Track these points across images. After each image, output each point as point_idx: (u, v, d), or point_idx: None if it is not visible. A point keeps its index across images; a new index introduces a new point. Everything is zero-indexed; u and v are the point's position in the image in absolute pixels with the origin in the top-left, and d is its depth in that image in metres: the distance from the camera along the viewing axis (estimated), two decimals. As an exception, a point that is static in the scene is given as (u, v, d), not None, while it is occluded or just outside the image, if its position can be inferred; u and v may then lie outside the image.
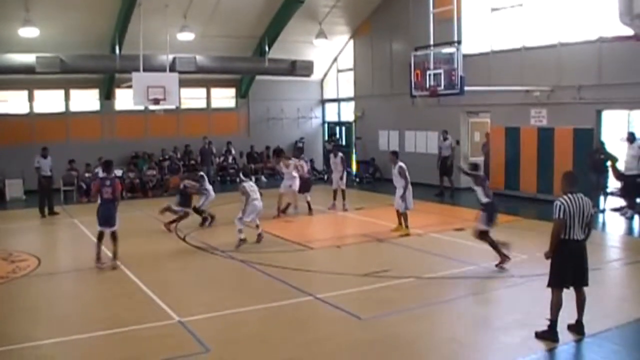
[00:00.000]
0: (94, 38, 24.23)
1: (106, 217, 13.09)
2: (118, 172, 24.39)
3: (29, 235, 17.61)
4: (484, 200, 12.65)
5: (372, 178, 27.70)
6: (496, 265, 12.24)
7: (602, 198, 18.99)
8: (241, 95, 30.77)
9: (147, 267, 13.08)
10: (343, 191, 20.03)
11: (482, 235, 12.50)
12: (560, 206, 8.28)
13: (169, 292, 11.11)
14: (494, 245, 12.38)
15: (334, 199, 20.07)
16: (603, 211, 18.70)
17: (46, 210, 19.97)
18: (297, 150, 24.31)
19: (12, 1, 21.18)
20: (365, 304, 10.29)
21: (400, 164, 15.92)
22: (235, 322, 9.52)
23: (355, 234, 16.24)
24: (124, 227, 14.47)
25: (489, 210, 12.57)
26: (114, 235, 13.14)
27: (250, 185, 15.06)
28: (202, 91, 29.96)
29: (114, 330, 9.12)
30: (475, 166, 13.85)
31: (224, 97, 30.87)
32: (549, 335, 8.43)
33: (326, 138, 32.82)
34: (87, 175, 23.92)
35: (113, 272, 12.72)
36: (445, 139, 23.18)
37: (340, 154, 20.43)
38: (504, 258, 12.28)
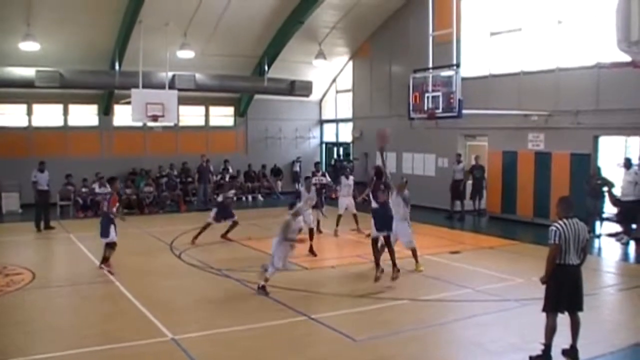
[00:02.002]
0: (94, 54, 24.35)
1: (100, 228, 14.04)
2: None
3: (24, 249, 17.55)
4: (373, 205, 12.93)
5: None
6: (375, 280, 12.58)
7: (598, 223, 19.01)
8: (240, 114, 30.85)
9: (142, 284, 13.04)
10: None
11: (373, 243, 12.97)
12: (555, 231, 8.29)
13: (163, 309, 11.06)
14: (376, 255, 12.83)
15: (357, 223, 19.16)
16: (599, 236, 18.70)
17: (42, 224, 19.93)
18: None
19: (13, 15, 21.30)
20: (360, 325, 10.26)
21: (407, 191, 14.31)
22: (228, 341, 9.48)
23: (350, 255, 16.19)
24: (119, 245, 14.49)
25: (374, 215, 12.89)
26: (109, 245, 14.00)
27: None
28: (200, 109, 30.06)
29: (107, 346, 9.07)
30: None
31: (223, 116, 30.96)
32: (543, 360, 8.41)
33: (331, 158, 32.74)
34: (84, 190, 23.90)
35: (107, 287, 12.70)
36: (458, 162, 23.04)
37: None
38: (379, 274, 12.62)
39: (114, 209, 14.05)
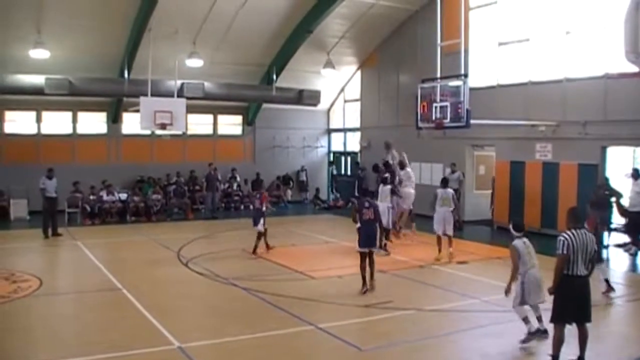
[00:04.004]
0: (103, 61, 24.48)
1: (253, 219, 17.41)
2: (123, 196, 24.58)
3: (31, 255, 17.59)
4: (358, 224, 13.67)
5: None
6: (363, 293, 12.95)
7: (606, 234, 18.93)
8: (248, 122, 30.90)
9: (148, 292, 13.05)
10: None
11: (361, 257, 13.34)
12: (564, 241, 8.27)
13: (170, 317, 11.07)
14: (363, 272, 13.18)
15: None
16: (607, 247, 18.63)
17: (50, 231, 19.98)
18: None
19: (24, 23, 21.43)
20: (366, 335, 10.25)
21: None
22: (235, 350, 9.48)
23: (357, 264, 16.13)
24: (127, 253, 14.51)
25: (360, 233, 13.51)
26: (258, 235, 17.11)
27: (523, 243, 9.86)
28: (209, 117, 30.13)
29: (113, 354, 9.06)
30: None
31: (231, 124, 31.01)
32: (550, 372, 8.36)
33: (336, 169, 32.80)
34: (91, 197, 23.95)
35: (114, 295, 12.72)
36: (453, 171, 23.13)
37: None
38: (364, 290, 13.03)
39: (265, 205, 17.65)
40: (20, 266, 15.32)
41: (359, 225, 13.46)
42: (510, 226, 10.01)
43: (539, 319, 9.68)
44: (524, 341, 9.51)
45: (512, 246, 9.72)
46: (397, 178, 18.32)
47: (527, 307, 9.68)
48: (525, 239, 9.83)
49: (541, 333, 9.59)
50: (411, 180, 18.88)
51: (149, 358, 9.03)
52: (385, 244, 17.29)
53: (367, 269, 13.17)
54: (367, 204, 13.58)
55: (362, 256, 13.24)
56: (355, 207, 14.19)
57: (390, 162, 19.00)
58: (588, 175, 19.32)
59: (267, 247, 17.51)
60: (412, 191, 18.83)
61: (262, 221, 17.23)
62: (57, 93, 23.52)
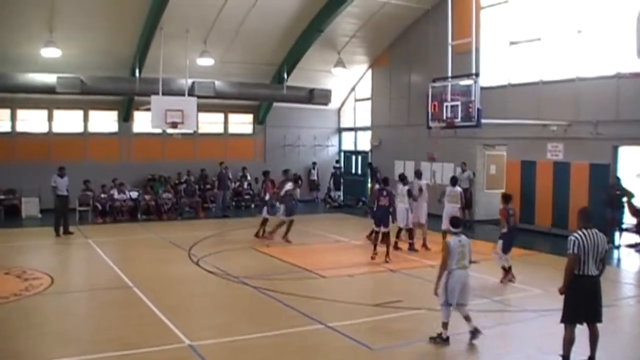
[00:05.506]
0: (114, 60, 24.54)
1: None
2: (134, 194, 24.67)
3: (43, 253, 17.68)
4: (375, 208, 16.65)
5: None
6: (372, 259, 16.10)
7: (617, 234, 18.87)
8: (258, 121, 30.93)
9: (159, 290, 13.08)
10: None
11: (376, 234, 16.54)
12: (574, 241, 8.25)
13: (180, 316, 11.10)
14: (375, 243, 16.42)
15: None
16: (618, 247, 18.56)
17: (61, 229, 20.06)
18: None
19: (36, 22, 21.52)
20: (376, 334, 10.24)
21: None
22: (245, 348, 9.50)
23: (368, 263, 16.16)
24: (138, 251, 14.54)
25: (375, 215, 16.68)
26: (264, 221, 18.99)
27: (459, 240, 9.78)
28: (219, 116, 30.18)
29: (123, 352, 9.08)
30: None
31: (242, 123, 31.05)
32: (561, 372, 8.33)
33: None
34: (102, 196, 24.03)
35: (125, 293, 12.77)
36: (463, 170, 23.14)
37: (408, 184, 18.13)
38: (374, 255, 16.22)
39: (269, 194, 19.03)
40: (31, 264, 15.40)
41: (375, 209, 16.34)
42: (449, 222, 9.93)
43: (467, 318, 9.68)
44: (431, 338, 9.66)
45: (444, 243, 9.79)
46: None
47: (451, 309, 9.65)
48: (462, 237, 9.75)
49: (477, 332, 9.61)
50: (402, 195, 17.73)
51: (160, 356, 9.06)
52: (412, 243, 17.81)
53: (381, 244, 16.08)
54: (384, 193, 16.28)
55: (377, 233, 16.22)
56: (375, 194, 16.98)
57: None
58: (599, 175, 19.24)
59: (260, 234, 19.06)
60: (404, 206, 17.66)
61: (265, 209, 19.04)
62: (69, 92, 23.64)
